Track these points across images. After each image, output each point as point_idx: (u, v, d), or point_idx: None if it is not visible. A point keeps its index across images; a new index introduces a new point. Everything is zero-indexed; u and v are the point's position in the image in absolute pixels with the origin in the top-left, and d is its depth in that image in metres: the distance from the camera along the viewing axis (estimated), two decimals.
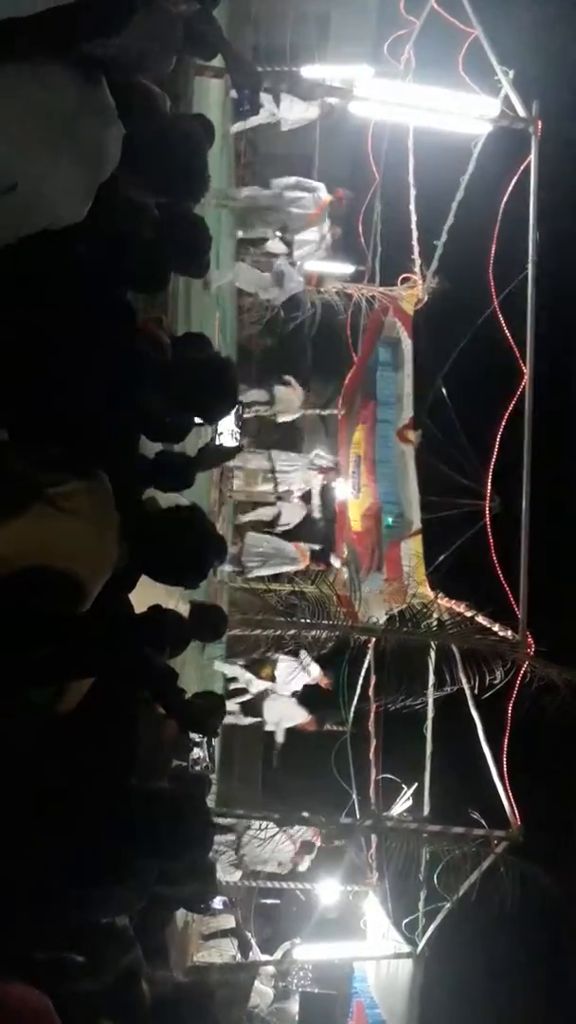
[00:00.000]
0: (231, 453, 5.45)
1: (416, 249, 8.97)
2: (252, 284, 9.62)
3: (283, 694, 9.26)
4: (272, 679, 9.09)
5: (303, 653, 8.50)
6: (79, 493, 1.97)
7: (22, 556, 1.86)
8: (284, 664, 8.94)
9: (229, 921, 8.62)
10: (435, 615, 6.94)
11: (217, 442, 6.80)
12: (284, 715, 9.44)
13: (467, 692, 6.83)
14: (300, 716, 9.43)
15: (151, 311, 3.30)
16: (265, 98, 9.23)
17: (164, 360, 2.45)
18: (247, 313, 11.07)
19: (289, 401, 10.77)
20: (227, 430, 7.56)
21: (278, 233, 9.44)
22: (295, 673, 8.83)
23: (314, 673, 8.93)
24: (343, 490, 9.97)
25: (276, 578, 9.34)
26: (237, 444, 7.81)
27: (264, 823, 7.81)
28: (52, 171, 1.92)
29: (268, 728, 9.68)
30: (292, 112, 9.65)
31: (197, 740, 4.38)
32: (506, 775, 6.67)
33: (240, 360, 12.34)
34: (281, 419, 10.85)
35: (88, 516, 1.98)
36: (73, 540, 1.94)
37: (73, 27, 1.89)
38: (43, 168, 1.90)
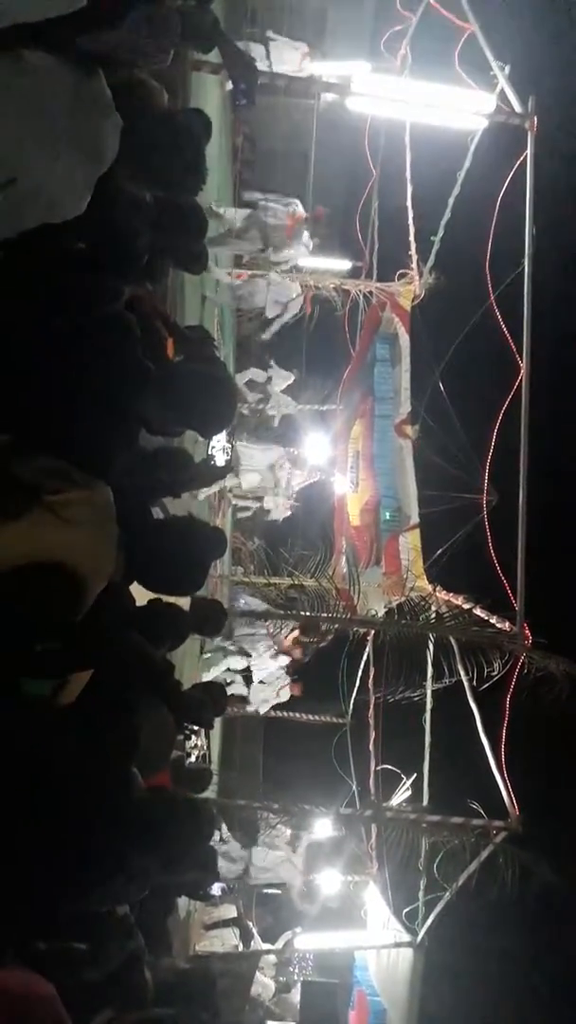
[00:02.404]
0: (221, 474, 5.46)
1: (413, 245, 8.97)
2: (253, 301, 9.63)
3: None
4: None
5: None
6: (78, 502, 1.98)
7: (18, 559, 1.88)
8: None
9: (231, 911, 8.69)
10: (433, 608, 6.96)
11: (212, 453, 6.88)
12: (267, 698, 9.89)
13: (465, 683, 6.86)
14: (283, 692, 9.85)
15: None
16: (256, 50, 9.16)
17: (162, 363, 2.45)
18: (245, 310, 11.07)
19: (283, 382, 10.89)
20: (220, 447, 7.59)
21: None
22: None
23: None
24: (341, 484, 10.01)
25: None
26: (227, 465, 7.88)
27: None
28: (51, 164, 1.94)
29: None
30: (282, 64, 9.59)
31: (193, 729, 4.39)
32: (504, 765, 6.70)
33: (239, 356, 12.38)
34: (271, 404, 10.96)
35: (86, 525, 1.99)
36: (70, 546, 1.95)
37: (71, 21, 1.91)
38: (42, 161, 1.92)
